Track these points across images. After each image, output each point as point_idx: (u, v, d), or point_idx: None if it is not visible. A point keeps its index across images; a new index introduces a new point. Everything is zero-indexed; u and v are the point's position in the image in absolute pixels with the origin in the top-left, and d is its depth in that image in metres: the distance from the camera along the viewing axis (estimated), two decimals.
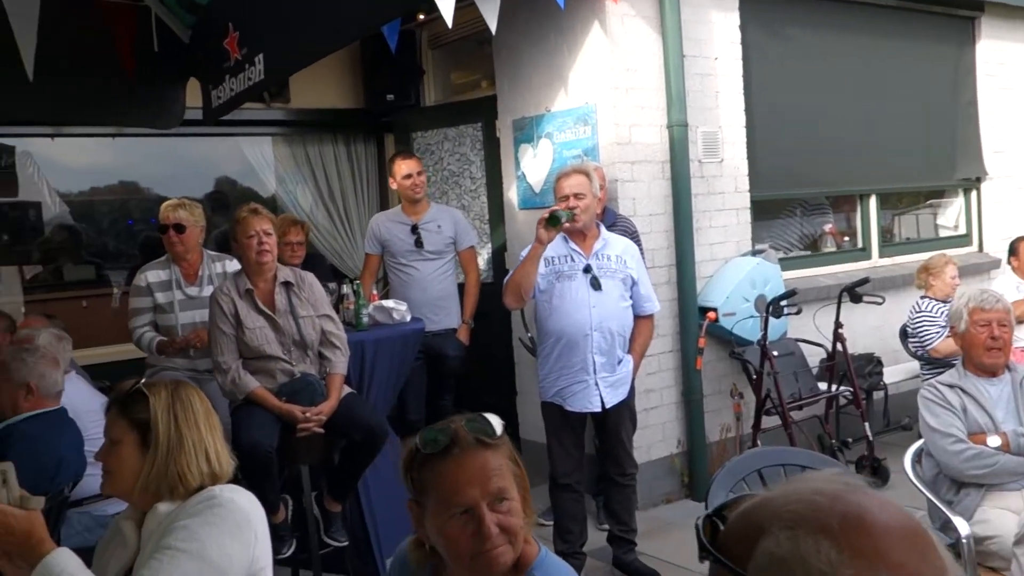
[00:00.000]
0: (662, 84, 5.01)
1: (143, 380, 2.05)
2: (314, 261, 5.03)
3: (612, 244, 3.99)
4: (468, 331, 5.15)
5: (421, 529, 1.59)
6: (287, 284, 3.78)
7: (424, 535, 1.59)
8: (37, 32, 2.37)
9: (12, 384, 3.12)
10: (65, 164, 7.95)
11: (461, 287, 5.21)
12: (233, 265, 4.41)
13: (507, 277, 4.03)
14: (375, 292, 4.67)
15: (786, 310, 5.06)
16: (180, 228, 4.20)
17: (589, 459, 4.40)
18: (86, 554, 1.91)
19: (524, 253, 3.93)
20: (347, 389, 3.83)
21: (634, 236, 4.50)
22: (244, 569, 1.90)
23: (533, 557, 1.57)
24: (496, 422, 1.56)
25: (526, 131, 5.31)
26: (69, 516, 3.41)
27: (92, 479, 3.37)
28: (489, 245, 5.86)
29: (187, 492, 1.95)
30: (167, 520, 1.90)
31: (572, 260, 3.90)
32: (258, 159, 6.64)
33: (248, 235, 3.67)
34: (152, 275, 4.26)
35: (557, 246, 3.90)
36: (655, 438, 5.07)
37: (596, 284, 3.87)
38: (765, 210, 5.94)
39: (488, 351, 5.68)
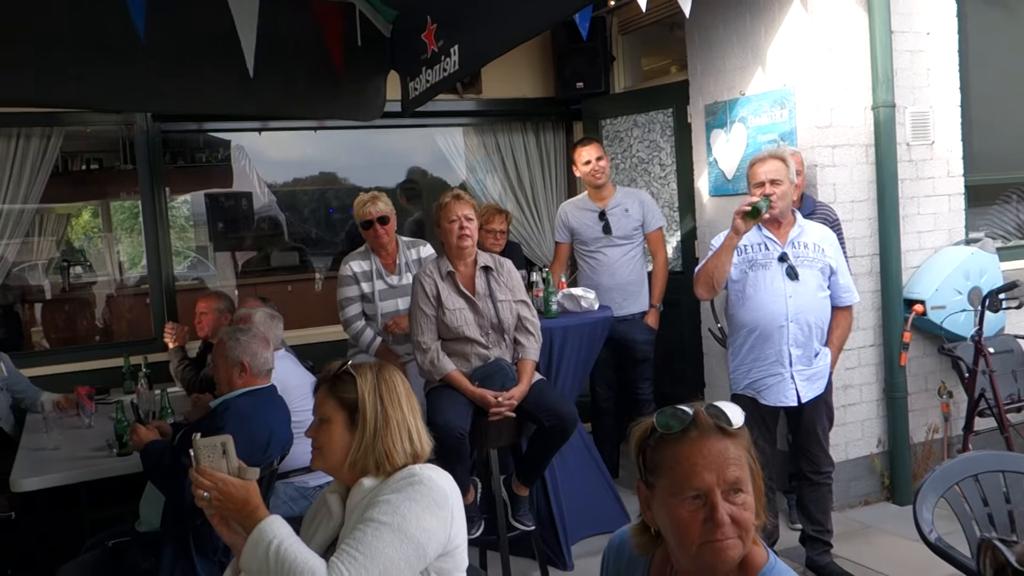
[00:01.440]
0: (867, 62, 4.71)
1: (350, 362, 2.13)
2: (510, 249, 5.11)
3: (808, 232, 3.81)
4: (657, 315, 5.10)
5: (647, 512, 1.54)
6: (487, 268, 3.87)
7: (650, 518, 1.54)
8: (256, 30, 2.52)
9: (228, 362, 3.31)
10: (271, 157, 8.49)
11: (649, 274, 5.14)
12: (427, 250, 4.55)
13: (698, 267, 3.93)
14: (563, 280, 4.68)
15: (1005, 304, 4.66)
16: (384, 220, 4.37)
17: (780, 455, 4.24)
18: (291, 523, 2.01)
19: (716, 242, 3.83)
20: (537, 375, 3.87)
21: (834, 224, 4.27)
22: (441, 546, 1.94)
23: (762, 562, 1.49)
24: (736, 412, 1.49)
25: (719, 116, 5.14)
26: (276, 487, 3.62)
27: (297, 453, 3.57)
28: (678, 233, 5.74)
29: (391, 469, 2.01)
30: (371, 495, 1.97)
31: (766, 248, 3.76)
32: (449, 149, 6.81)
33: (450, 220, 3.79)
34: (356, 265, 4.44)
35: (750, 234, 3.77)
36: (853, 436, 4.81)
37: (792, 273, 3.72)
38: (981, 195, 5.47)
39: (677, 341, 5.58)
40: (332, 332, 5.56)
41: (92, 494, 3.93)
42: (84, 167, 7.58)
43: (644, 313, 5.08)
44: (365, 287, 4.42)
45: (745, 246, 3.77)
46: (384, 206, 4.38)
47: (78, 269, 8.00)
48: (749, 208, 3.59)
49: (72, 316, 7.02)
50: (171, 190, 6.39)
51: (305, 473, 3.76)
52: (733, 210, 3.73)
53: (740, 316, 3.83)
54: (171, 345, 4.88)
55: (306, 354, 4.70)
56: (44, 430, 4.11)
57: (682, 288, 5.33)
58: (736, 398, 3.82)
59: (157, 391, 4.19)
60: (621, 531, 1.74)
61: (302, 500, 3.75)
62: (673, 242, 5.74)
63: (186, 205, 8.80)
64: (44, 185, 5.30)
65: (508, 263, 3.99)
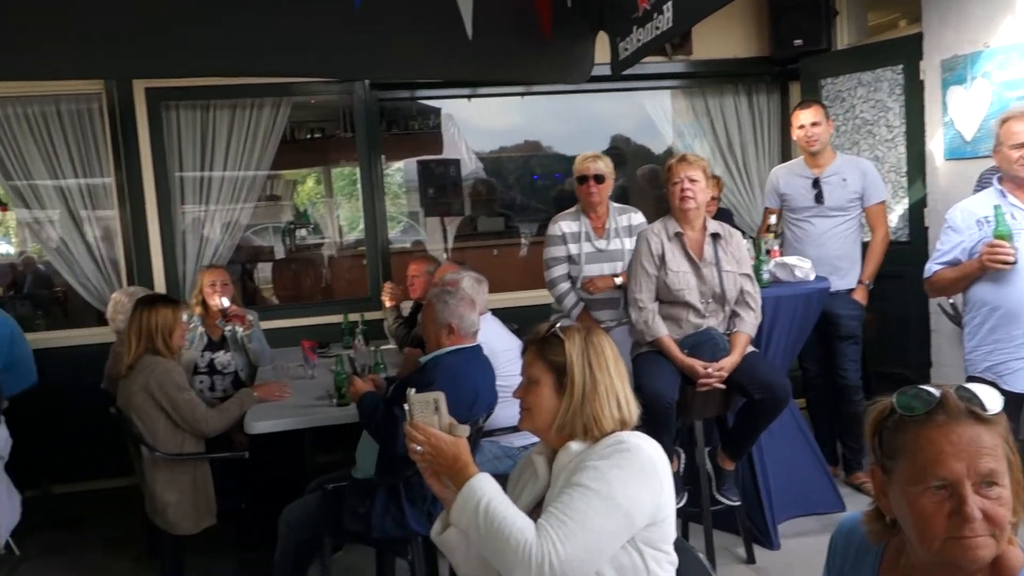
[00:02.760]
0: None
1: (558, 324, 2.12)
2: (721, 216, 4.92)
3: None
4: (866, 292, 4.70)
5: (883, 499, 1.43)
6: (716, 236, 3.78)
7: (886, 506, 1.43)
8: None
9: (436, 323, 3.42)
10: (478, 124, 8.67)
11: (865, 245, 4.78)
12: (638, 218, 4.47)
13: (931, 269, 3.59)
14: (776, 248, 4.46)
15: None
16: (600, 178, 4.33)
17: (1022, 446, 3.86)
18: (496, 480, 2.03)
19: (954, 220, 3.48)
20: (749, 348, 3.73)
21: None
22: (648, 515, 1.90)
23: (1020, 564, 1.33)
24: (992, 397, 1.34)
25: (957, 71, 4.70)
26: (482, 445, 3.71)
27: (502, 414, 3.64)
28: (905, 200, 5.33)
29: (599, 435, 1.98)
30: (578, 459, 1.95)
31: (1013, 218, 3.38)
32: (657, 113, 6.66)
33: (673, 182, 3.74)
34: (565, 225, 4.44)
35: (995, 198, 3.41)
36: None
37: None
38: None
39: (900, 316, 5.20)
40: (536, 297, 5.62)
41: (315, 440, 4.20)
42: (309, 135, 8.07)
43: (851, 290, 4.71)
44: (572, 248, 4.41)
45: (987, 218, 3.41)
46: (604, 166, 4.35)
47: (303, 232, 8.56)
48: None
49: (297, 275, 7.51)
50: (386, 157, 6.65)
51: (510, 433, 3.82)
52: (971, 185, 3.41)
53: (980, 293, 3.47)
54: (387, 304, 5.11)
55: (510, 318, 4.76)
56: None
57: (906, 258, 4.97)
58: (972, 381, 3.49)
59: (372, 347, 4.40)
60: (852, 515, 1.63)
61: (506, 459, 3.83)
62: (899, 210, 5.33)
63: (399, 172, 9.18)
64: (274, 153, 5.67)
65: (737, 233, 3.88)
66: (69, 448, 5.08)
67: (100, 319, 5.64)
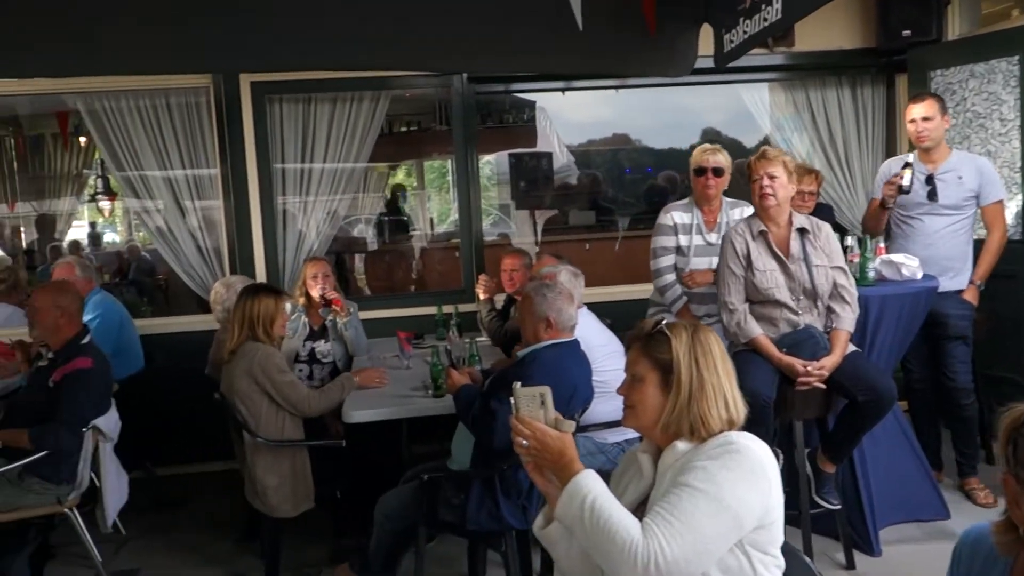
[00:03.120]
0: None
1: (664, 321, 2.08)
2: (820, 212, 4.79)
3: None
4: (977, 293, 4.49)
5: (1016, 510, 1.37)
6: (802, 231, 3.69)
7: (1019, 517, 1.36)
8: None
9: (534, 317, 3.41)
10: (569, 118, 8.65)
11: (977, 243, 4.57)
12: (750, 211, 4.39)
13: None
14: (882, 245, 4.31)
15: None
16: (718, 171, 4.26)
17: None
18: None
19: None
20: (851, 347, 3.62)
21: None
22: (757, 518, 1.86)
23: None
24: None
25: None
26: (576, 440, 3.68)
27: (598, 409, 3.62)
28: (1020, 196, 5.09)
29: (706, 435, 1.95)
30: (684, 458, 1.92)
31: None
32: (755, 106, 6.51)
33: (753, 179, 3.69)
34: (677, 215, 4.37)
35: None
36: None
37: None
38: None
39: (1013, 317, 4.98)
40: (629, 292, 5.57)
41: (410, 430, 4.25)
42: (405, 128, 8.17)
43: (961, 290, 4.51)
44: (682, 240, 4.34)
45: None
46: (723, 159, 4.28)
47: (395, 224, 8.68)
48: None
49: (390, 266, 7.62)
50: (479, 150, 6.67)
51: (604, 429, 3.80)
52: None
53: None
54: (482, 296, 5.14)
55: (602, 313, 4.72)
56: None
57: (1019, 258, 4.77)
58: None
59: (466, 339, 4.42)
60: (979, 526, 1.56)
61: (600, 455, 3.80)
62: (1013, 207, 5.09)
63: (488, 165, 9.22)
64: (372, 146, 5.75)
65: (826, 226, 3.76)
66: (173, 432, 5.26)
67: (202, 306, 5.83)
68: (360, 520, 4.26)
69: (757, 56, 5.80)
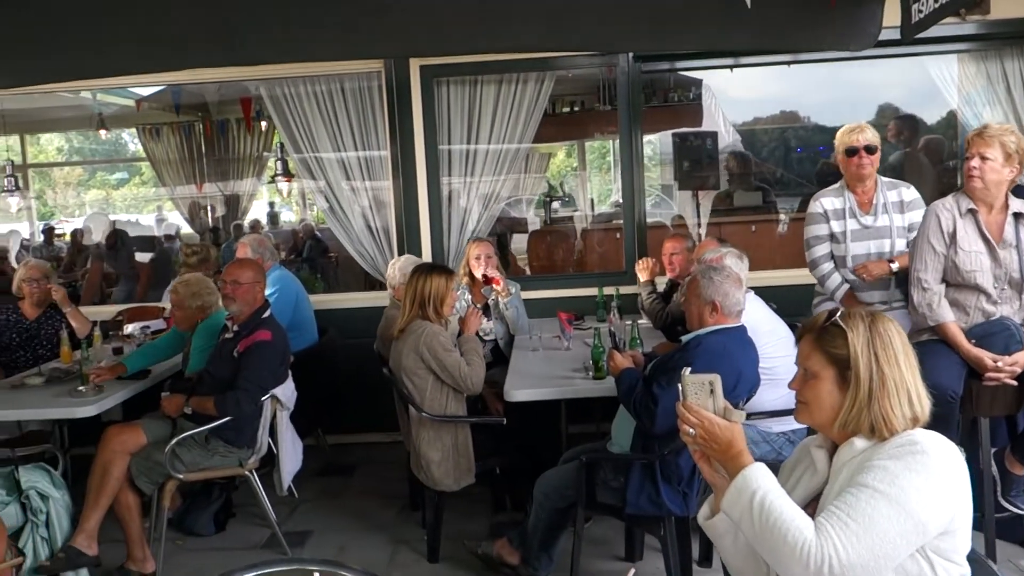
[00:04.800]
0: None
1: (839, 312, 1.97)
2: (1018, 191, 4.44)
3: None
4: None
5: None
6: (1018, 215, 3.43)
7: None
8: None
9: (700, 300, 3.33)
10: (737, 95, 8.37)
11: None
12: (911, 194, 4.15)
13: None
14: None
15: None
16: (871, 149, 4.06)
17: None
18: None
19: None
20: None
21: None
22: (942, 524, 1.74)
23: None
24: None
25: None
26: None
27: (762, 397, 3.51)
28: None
29: (888, 435, 1.84)
30: (862, 456, 1.83)
31: None
32: (941, 79, 6.09)
33: (965, 156, 3.48)
34: (827, 202, 4.20)
35: None
36: None
37: None
38: None
39: None
40: (796, 276, 5.35)
41: (570, 411, 4.27)
42: (568, 109, 8.16)
43: None
44: (835, 226, 4.15)
45: None
46: (872, 136, 4.07)
47: (556, 204, 8.71)
48: None
49: (552, 247, 7.65)
50: (643, 130, 6.57)
51: (768, 418, 3.68)
52: None
53: None
54: (643, 278, 5.08)
55: (769, 297, 4.56)
56: (530, 349, 4.55)
57: None
58: None
59: (627, 321, 4.39)
60: None
61: (764, 444, 3.70)
62: None
63: (650, 144, 9.08)
64: (535, 126, 5.78)
65: None
66: (344, 403, 5.49)
67: (371, 284, 6.05)
68: (519, 497, 4.34)
69: (947, 26, 5.39)
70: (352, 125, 5.80)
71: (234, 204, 10.09)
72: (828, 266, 4.19)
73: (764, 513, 1.76)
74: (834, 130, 4.28)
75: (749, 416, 3.65)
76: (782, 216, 7.45)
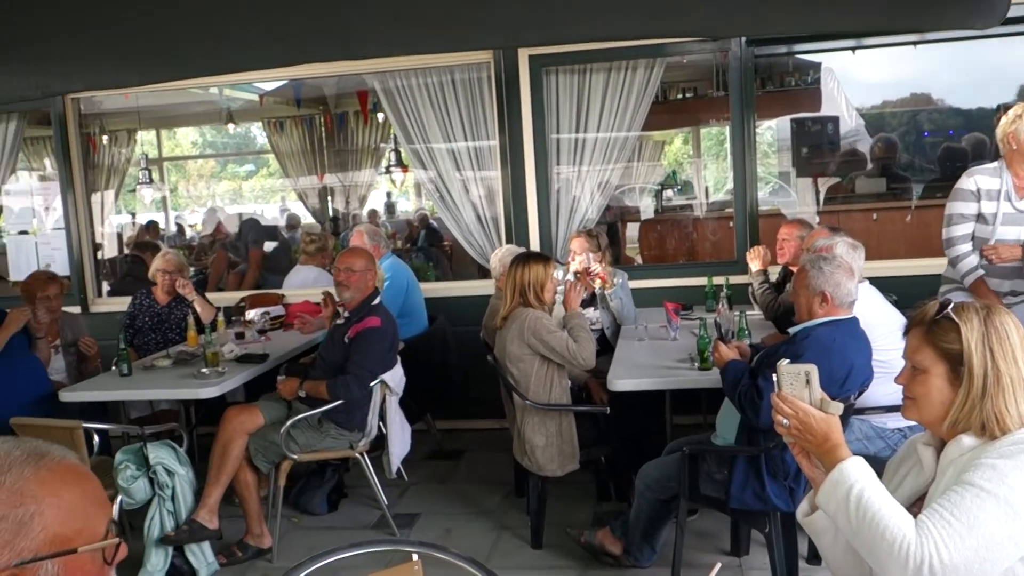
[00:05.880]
0: None
1: (951, 305, 1.87)
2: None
3: None
4: None
5: None
6: None
7: None
8: None
9: (809, 291, 3.23)
10: (861, 78, 8.03)
11: None
12: None
13: None
14: None
15: None
16: None
17: None
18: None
19: None
20: None
21: None
22: None
23: None
24: None
25: None
26: (851, 423, 3.48)
27: (876, 391, 3.38)
28: None
29: (1000, 433, 1.75)
30: (970, 454, 1.74)
31: None
32: None
33: None
34: (983, 180, 3.95)
35: None
36: None
37: None
38: None
39: None
40: (921, 266, 5.14)
41: (674, 401, 4.22)
42: (679, 96, 8.03)
43: None
44: (986, 207, 3.92)
45: None
46: None
47: (669, 192, 8.59)
48: None
49: (662, 236, 7.56)
50: (757, 115, 6.40)
51: (883, 413, 3.55)
52: None
53: None
54: (755, 268, 4.96)
55: (890, 288, 4.40)
56: (636, 339, 4.52)
57: None
58: None
59: (736, 312, 4.30)
60: None
61: (878, 440, 3.57)
62: None
63: (769, 131, 8.83)
64: (645, 114, 5.71)
65: None
66: (451, 389, 5.59)
67: (482, 272, 6.13)
68: (623, 487, 4.32)
69: None
70: (462, 115, 5.88)
71: (353, 194, 10.38)
72: (966, 247, 3.98)
73: (861, 508, 1.71)
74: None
75: (863, 411, 3.53)
76: (907, 203, 7.12)
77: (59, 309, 4.99)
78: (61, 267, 6.56)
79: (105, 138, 8.26)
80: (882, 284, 4.14)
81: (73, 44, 4.03)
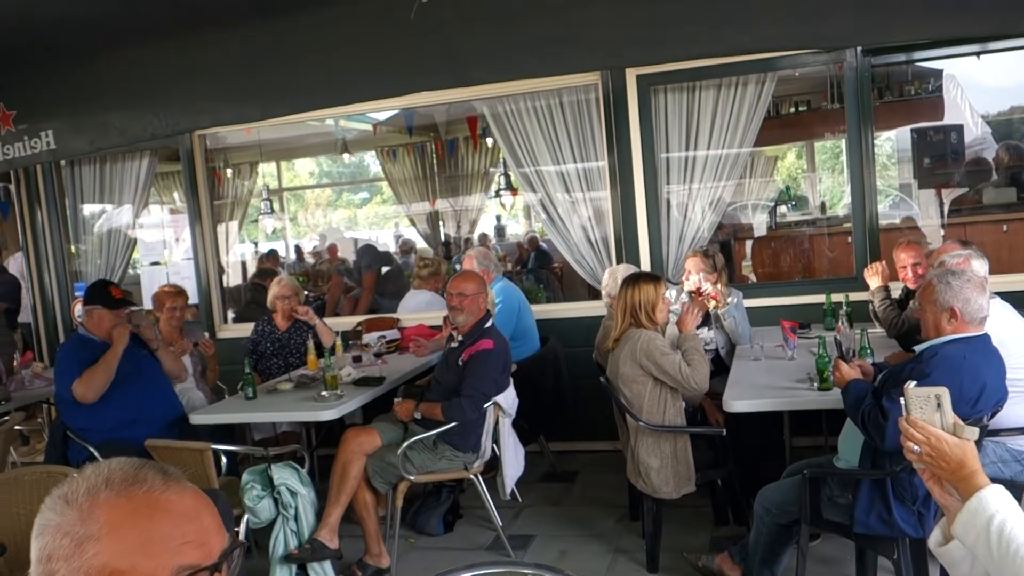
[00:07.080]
0: None
1: None
2: None
3: None
4: None
5: None
6: None
7: None
8: None
9: (936, 306, 3.10)
10: (987, 83, 7.67)
11: None
12: None
13: None
14: None
15: None
16: None
17: None
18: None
19: None
20: None
21: None
22: None
23: None
24: None
25: None
26: (984, 445, 3.31)
27: (1011, 411, 3.21)
28: None
29: None
30: None
31: None
32: None
33: None
34: None
35: None
36: None
37: None
38: None
39: None
40: None
41: (793, 423, 4.10)
42: (792, 109, 7.86)
43: None
44: None
45: None
46: None
47: (783, 208, 8.39)
48: None
49: (777, 253, 7.39)
50: (876, 127, 6.20)
51: (1019, 434, 3.37)
52: None
53: None
54: (874, 284, 4.79)
55: (1021, 304, 4.17)
56: (751, 358, 4.43)
57: None
58: None
59: (857, 330, 4.15)
60: None
61: (1014, 464, 3.39)
62: None
63: (888, 142, 8.54)
64: (757, 129, 5.61)
65: None
66: (565, 411, 5.58)
67: (592, 293, 6.12)
68: (741, 511, 4.22)
69: None
70: (570, 137, 5.92)
71: (464, 218, 10.55)
72: None
73: (1004, 540, 1.61)
74: None
75: (997, 432, 3.36)
76: None
77: (182, 319, 5.36)
78: (190, 296, 6.89)
79: (229, 171, 8.68)
80: (1014, 298, 3.93)
81: (198, 86, 4.27)
